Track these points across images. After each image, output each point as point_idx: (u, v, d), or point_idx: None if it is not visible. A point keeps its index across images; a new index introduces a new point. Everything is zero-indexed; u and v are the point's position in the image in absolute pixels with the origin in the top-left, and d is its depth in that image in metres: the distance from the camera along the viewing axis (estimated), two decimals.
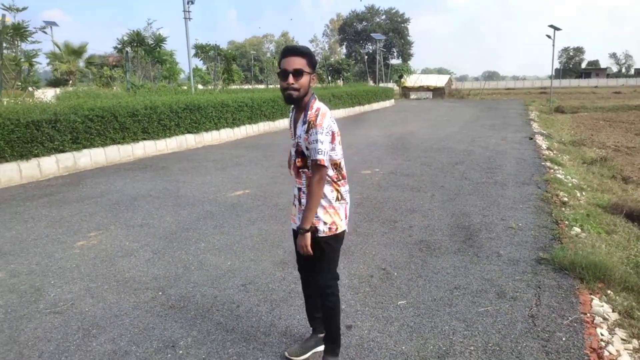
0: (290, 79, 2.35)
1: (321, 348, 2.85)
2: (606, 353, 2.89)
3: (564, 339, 3.02)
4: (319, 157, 2.36)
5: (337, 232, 2.55)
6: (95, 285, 3.92)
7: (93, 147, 9.54)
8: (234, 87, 23.14)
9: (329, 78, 34.69)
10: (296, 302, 3.54)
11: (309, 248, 2.45)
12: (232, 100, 14.38)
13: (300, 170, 2.52)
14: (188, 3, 14.60)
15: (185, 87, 18.26)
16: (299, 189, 2.57)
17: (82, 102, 9.91)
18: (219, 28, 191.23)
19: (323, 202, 2.49)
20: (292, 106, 2.57)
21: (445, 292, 3.69)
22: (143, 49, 16.02)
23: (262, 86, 33.40)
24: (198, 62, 26.26)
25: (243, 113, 14.80)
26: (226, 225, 5.49)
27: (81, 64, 27.68)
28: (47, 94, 14.67)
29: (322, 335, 2.85)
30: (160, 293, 3.74)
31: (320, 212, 2.49)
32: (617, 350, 2.92)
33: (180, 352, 2.92)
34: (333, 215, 2.53)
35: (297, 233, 2.49)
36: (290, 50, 2.41)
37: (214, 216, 5.85)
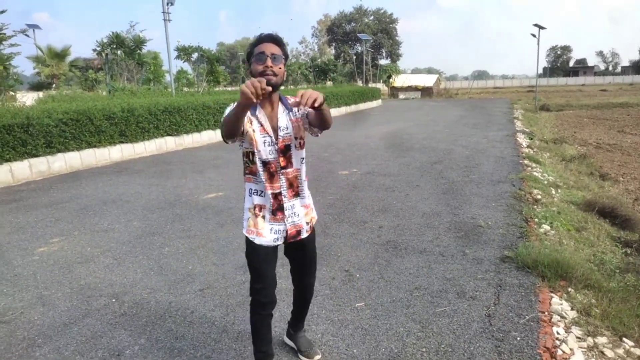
0: (269, 62, 2.18)
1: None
2: (559, 352, 2.85)
3: (518, 338, 2.98)
4: None
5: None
6: (49, 292, 3.82)
7: (68, 151, 9.40)
8: (219, 88, 23.02)
9: (316, 79, 34.59)
10: None
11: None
12: (214, 101, 14.26)
13: (282, 170, 2.33)
14: (168, 4, 14.47)
15: (170, 89, 18.12)
16: (276, 195, 2.37)
17: (55, 106, 9.77)
18: (210, 29, 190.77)
19: (309, 200, 2.53)
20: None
21: (405, 293, 3.64)
22: (123, 51, 15.84)
23: None
24: (184, 65, 26.11)
25: None
26: (193, 228, 5.40)
27: (66, 67, 27.36)
28: (27, 98, 14.50)
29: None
30: (113, 300, 3.65)
31: (308, 209, 2.50)
32: (570, 349, 2.88)
33: None
34: (313, 211, 2.58)
35: (267, 248, 2.53)
36: (268, 37, 2.27)
37: (183, 220, 5.75)
